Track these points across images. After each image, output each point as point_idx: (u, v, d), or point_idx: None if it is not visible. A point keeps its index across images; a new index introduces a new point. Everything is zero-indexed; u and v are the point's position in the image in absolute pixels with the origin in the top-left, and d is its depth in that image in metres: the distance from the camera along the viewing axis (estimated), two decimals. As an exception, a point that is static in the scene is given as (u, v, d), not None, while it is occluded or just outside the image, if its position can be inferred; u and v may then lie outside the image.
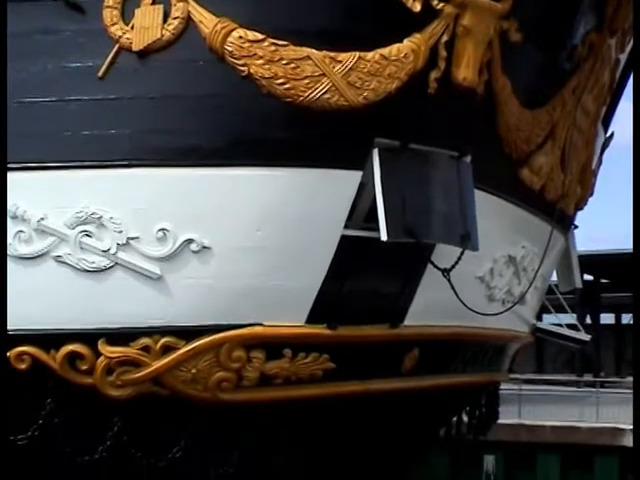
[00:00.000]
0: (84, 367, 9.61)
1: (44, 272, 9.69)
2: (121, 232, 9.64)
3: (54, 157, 9.70)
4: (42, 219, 9.62)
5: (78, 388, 9.65)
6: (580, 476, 25.38)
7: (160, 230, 9.66)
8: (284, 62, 9.61)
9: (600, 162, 15.05)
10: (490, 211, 11.48)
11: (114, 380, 9.66)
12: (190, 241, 9.71)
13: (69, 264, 9.67)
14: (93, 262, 9.66)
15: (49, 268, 9.68)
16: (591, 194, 14.78)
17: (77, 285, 9.70)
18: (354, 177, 10.15)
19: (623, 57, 13.80)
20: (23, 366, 9.53)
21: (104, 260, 9.65)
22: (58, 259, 9.65)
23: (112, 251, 9.63)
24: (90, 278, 9.70)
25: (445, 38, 10.06)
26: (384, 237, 9.94)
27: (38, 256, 9.63)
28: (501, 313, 12.19)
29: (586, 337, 17.64)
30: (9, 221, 9.62)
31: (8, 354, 9.53)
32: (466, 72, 10.16)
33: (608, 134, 15.25)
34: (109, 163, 9.71)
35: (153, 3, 9.69)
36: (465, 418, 14.54)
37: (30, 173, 9.68)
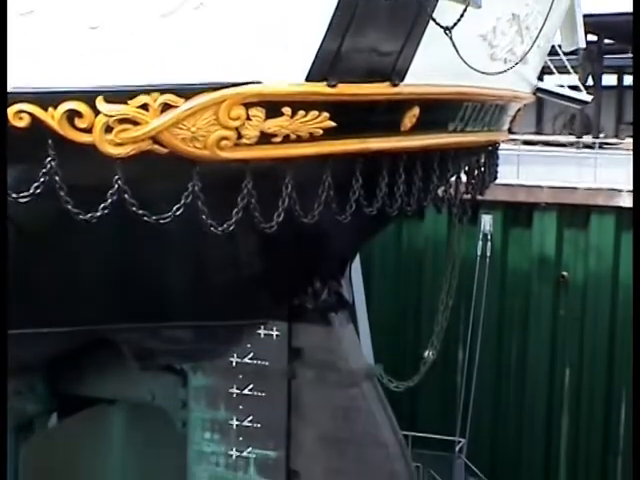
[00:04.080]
0: (83, 125, 9.58)
1: (40, 29, 9.50)
2: None
3: None
4: None
5: (78, 146, 9.65)
6: (576, 234, 25.87)
7: None
8: None
9: None
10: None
11: (113, 138, 9.64)
12: None
13: (65, 22, 9.47)
14: (89, 19, 9.46)
15: (45, 24, 9.49)
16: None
17: (74, 43, 9.54)
18: None
19: None
20: (22, 124, 9.50)
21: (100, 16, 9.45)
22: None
23: None
24: (87, 36, 9.53)
25: None
26: (385, -7, 9.72)
27: (32, 11, 9.43)
28: (503, 72, 12.09)
29: (587, 98, 17.55)
30: None
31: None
32: None
33: None
34: None
35: None
36: (464, 177, 14.63)
37: None
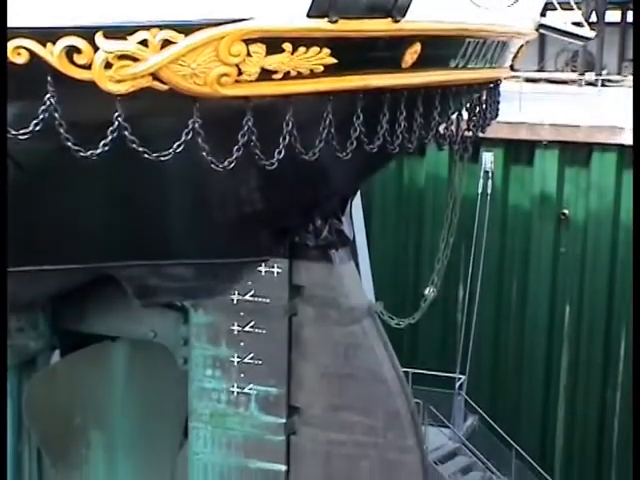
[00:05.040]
0: (82, 61, 9.49)
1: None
2: None
3: None
4: None
5: (77, 83, 9.58)
6: (577, 171, 25.86)
7: None
8: None
9: None
10: None
11: (113, 75, 9.57)
12: None
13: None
14: None
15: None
16: None
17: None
18: None
19: None
20: (20, 60, 9.42)
21: None
22: None
23: None
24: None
25: None
26: None
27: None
28: (505, 8, 12.00)
29: (590, 34, 17.42)
30: None
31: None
32: None
33: None
34: None
35: None
36: (465, 115, 14.56)
37: None
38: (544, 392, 26.88)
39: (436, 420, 24.11)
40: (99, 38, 9.47)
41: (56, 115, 9.71)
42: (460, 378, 25.44)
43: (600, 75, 38.30)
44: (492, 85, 15.11)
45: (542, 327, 26.64)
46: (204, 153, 10.28)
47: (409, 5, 10.68)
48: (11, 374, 15.06)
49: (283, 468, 14.28)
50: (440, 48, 11.67)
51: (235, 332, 13.90)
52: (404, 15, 10.67)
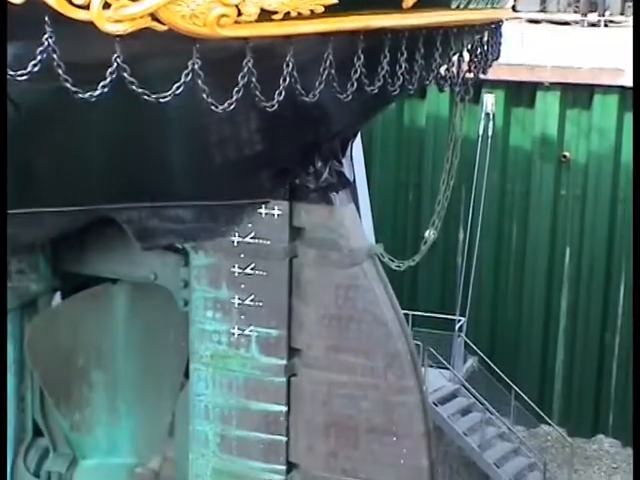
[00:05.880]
0: (80, 1, 9.30)
1: None
2: None
3: None
4: None
5: (75, 24, 9.47)
6: (578, 113, 25.75)
7: None
8: None
9: None
10: None
11: (111, 15, 9.48)
12: None
13: None
14: None
15: None
16: None
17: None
18: None
19: None
20: (18, 0, 9.30)
21: None
22: None
23: None
24: None
25: None
26: None
27: None
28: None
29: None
30: None
31: None
32: None
33: None
34: None
35: None
36: (466, 56, 14.45)
37: None
38: (543, 334, 27.01)
39: (436, 362, 24.23)
40: None
41: (54, 56, 9.60)
42: (460, 320, 25.55)
43: (603, 16, 37.96)
44: (494, 26, 14.97)
45: (542, 269, 26.71)
46: (204, 95, 10.21)
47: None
48: (12, 316, 15.11)
49: (284, 409, 14.38)
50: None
51: (235, 274, 13.92)
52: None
